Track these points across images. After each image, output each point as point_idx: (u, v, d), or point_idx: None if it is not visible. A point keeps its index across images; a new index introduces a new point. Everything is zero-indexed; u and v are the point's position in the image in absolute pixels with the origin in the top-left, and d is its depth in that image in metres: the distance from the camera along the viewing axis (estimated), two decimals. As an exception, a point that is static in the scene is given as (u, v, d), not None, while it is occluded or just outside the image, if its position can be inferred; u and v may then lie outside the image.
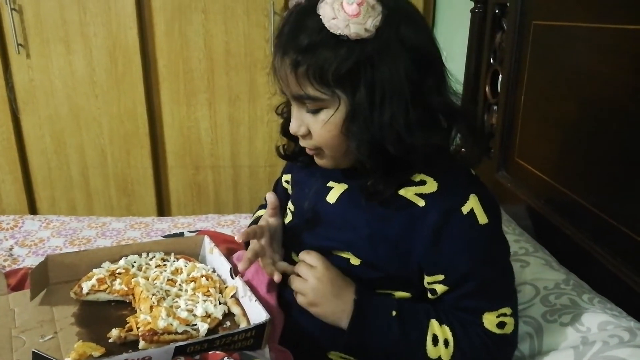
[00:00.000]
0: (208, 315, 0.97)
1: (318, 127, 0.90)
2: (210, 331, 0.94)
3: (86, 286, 1.05)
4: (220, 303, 1.01)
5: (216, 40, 2.50)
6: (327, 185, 1.02)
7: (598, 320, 0.95)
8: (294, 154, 1.10)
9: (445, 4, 2.36)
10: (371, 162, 0.88)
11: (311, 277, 0.94)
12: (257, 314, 0.93)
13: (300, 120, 0.92)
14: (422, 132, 0.85)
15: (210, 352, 0.83)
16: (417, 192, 0.91)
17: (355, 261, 0.96)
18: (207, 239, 1.21)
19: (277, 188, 1.28)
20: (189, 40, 2.50)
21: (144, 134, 2.62)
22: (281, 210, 1.13)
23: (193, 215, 2.29)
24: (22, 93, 2.55)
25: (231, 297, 1.03)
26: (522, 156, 1.48)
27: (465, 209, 0.88)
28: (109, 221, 1.96)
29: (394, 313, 0.91)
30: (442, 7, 2.39)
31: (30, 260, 1.60)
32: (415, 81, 0.84)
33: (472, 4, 1.77)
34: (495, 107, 1.69)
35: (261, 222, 1.08)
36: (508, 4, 1.58)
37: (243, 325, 0.95)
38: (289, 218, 1.12)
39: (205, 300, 1.00)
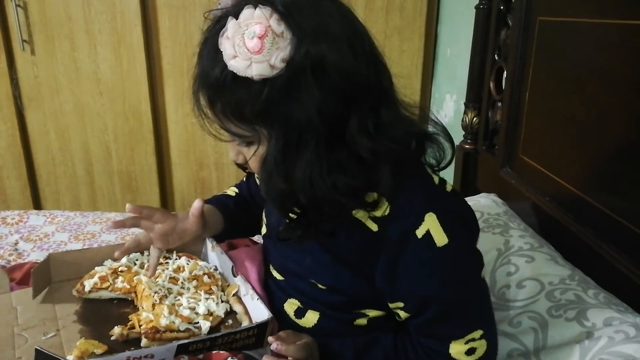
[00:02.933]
0: (210, 314, 0.97)
1: (251, 160, 0.83)
2: (212, 329, 0.94)
3: (88, 284, 1.05)
4: (222, 301, 1.01)
5: (220, 36, 2.49)
6: None
7: (603, 315, 0.95)
8: None
9: (450, 1, 2.34)
10: (280, 211, 0.84)
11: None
12: (259, 312, 0.93)
13: (237, 150, 0.85)
14: (341, 178, 0.77)
15: (213, 352, 0.83)
16: (371, 215, 0.84)
17: (322, 286, 0.93)
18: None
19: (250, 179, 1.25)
20: (194, 37, 2.49)
21: (148, 131, 2.62)
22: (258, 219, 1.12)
23: (197, 211, 2.29)
24: (26, 89, 2.55)
25: (233, 295, 1.03)
26: (527, 153, 1.47)
27: (420, 232, 0.80)
28: (113, 216, 1.96)
29: None
30: (447, 3, 2.38)
31: (35, 255, 1.60)
32: (335, 119, 0.76)
33: (476, 1, 1.76)
34: (500, 104, 1.68)
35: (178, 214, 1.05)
36: (513, 0, 1.57)
37: (245, 323, 0.95)
38: (264, 230, 1.10)
39: (207, 299, 1.00)
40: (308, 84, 0.73)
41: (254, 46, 0.71)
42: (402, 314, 0.88)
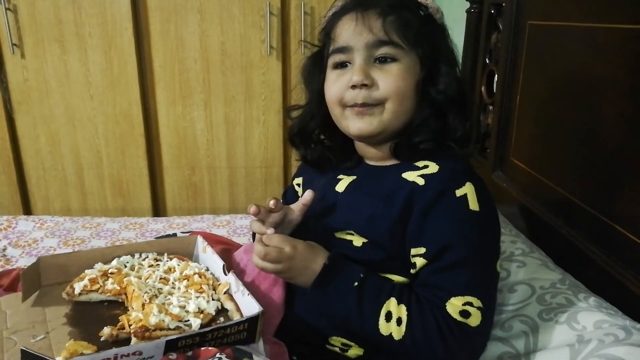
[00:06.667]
0: (201, 311, 0.96)
1: (390, 76, 0.96)
2: (203, 327, 0.93)
3: (78, 287, 1.04)
4: (213, 299, 1.01)
5: (212, 40, 2.49)
6: (337, 177, 1.08)
7: (594, 318, 0.95)
8: (319, 158, 1.13)
9: (441, 4, 2.35)
10: (432, 119, 0.99)
11: (283, 260, 0.94)
12: (250, 307, 0.93)
13: (366, 71, 0.96)
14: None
15: (202, 348, 0.82)
16: (420, 174, 0.96)
17: (357, 242, 0.99)
18: (200, 239, 1.21)
19: (287, 194, 1.30)
20: (185, 41, 2.49)
21: (140, 135, 2.61)
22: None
23: (188, 215, 2.28)
24: (16, 93, 2.54)
25: (224, 293, 1.02)
26: (518, 156, 1.48)
27: (459, 192, 0.92)
28: (104, 222, 1.95)
29: (355, 284, 0.92)
30: (438, 7, 2.39)
31: (23, 261, 1.59)
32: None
33: (467, 4, 1.77)
34: (491, 107, 1.69)
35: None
36: (503, 4, 1.58)
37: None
38: None
39: (197, 297, 0.99)
40: (446, 35, 1.04)
41: None
42: (419, 262, 0.93)
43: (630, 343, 0.86)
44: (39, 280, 1.10)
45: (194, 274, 1.07)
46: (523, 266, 1.16)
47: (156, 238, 1.58)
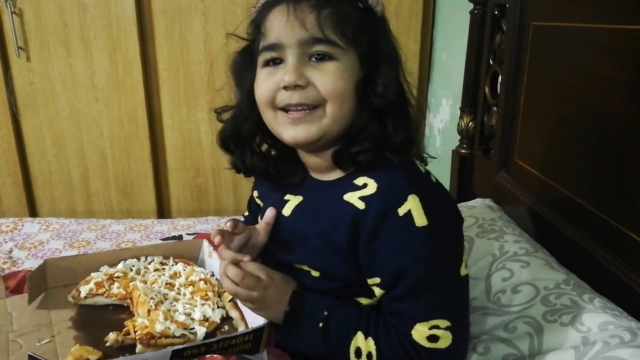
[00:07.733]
0: (206, 319, 0.96)
1: (328, 75, 0.87)
2: (208, 335, 0.93)
3: (84, 290, 1.05)
4: (218, 307, 1.01)
5: (216, 42, 2.49)
6: (284, 198, 1.04)
7: (599, 320, 0.95)
8: (253, 168, 1.04)
9: (445, 6, 2.35)
10: (370, 126, 0.91)
11: (258, 289, 0.92)
12: (255, 318, 0.93)
13: (300, 71, 0.87)
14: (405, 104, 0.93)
15: (207, 355, 0.83)
16: (360, 195, 0.90)
17: (315, 273, 0.96)
18: (205, 243, 1.21)
19: (252, 205, 1.27)
20: (189, 43, 2.49)
21: (144, 137, 2.62)
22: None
23: (193, 217, 2.29)
24: (22, 96, 2.55)
25: (229, 301, 1.03)
26: (522, 157, 1.47)
27: (401, 210, 0.85)
28: (109, 223, 1.95)
29: (320, 324, 0.90)
30: (442, 8, 2.39)
31: (29, 263, 1.59)
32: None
33: (471, 6, 1.77)
34: (495, 108, 1.68)
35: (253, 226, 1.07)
36: (507, 5, 1.58)
37: (241, 329, 0.95)
38: None
39: (203, 304, 1.00)
40: (387, 29, 0.94)
41: None
42: (377, 292, 0.90)
43: (636, 345, 0.86)
44: (45, 283, 1.10)
45: (200, 280, 1.07)
46: (527, 266, 1.16)
47: (162, 240, 1.59)
